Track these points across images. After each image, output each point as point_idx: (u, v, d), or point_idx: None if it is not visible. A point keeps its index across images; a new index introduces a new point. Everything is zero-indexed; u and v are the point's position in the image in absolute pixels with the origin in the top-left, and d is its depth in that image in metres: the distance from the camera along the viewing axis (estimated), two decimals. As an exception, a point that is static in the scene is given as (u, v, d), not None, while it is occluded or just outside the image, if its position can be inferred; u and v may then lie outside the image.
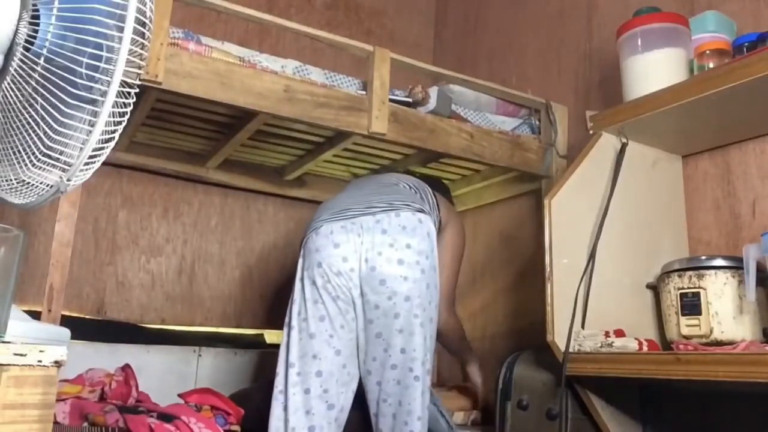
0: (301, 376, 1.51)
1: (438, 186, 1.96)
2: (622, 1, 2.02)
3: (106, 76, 0.90)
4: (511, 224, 2.35)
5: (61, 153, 0.93)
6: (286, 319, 1.59)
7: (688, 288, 1.47)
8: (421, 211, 1.62)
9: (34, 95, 0.91)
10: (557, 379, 1.52)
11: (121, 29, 0.90)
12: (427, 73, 2.07)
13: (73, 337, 0.99)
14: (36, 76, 0.91)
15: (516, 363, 1.72)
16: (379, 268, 1.52)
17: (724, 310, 1.42)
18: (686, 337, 1.45)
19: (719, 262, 1.45)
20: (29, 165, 0.94)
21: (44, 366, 0.79)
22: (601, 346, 1.45)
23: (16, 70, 0.92)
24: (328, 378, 1.52)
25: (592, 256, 1.55)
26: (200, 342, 2.18)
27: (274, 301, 2.43)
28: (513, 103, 2.16)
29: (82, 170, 0.95)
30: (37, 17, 0.91)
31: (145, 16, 0.94)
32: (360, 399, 1.56)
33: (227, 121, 1.93)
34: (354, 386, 1.56)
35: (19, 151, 0.95)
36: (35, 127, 0.92)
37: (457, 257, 1.85)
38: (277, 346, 2.35)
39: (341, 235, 1.57)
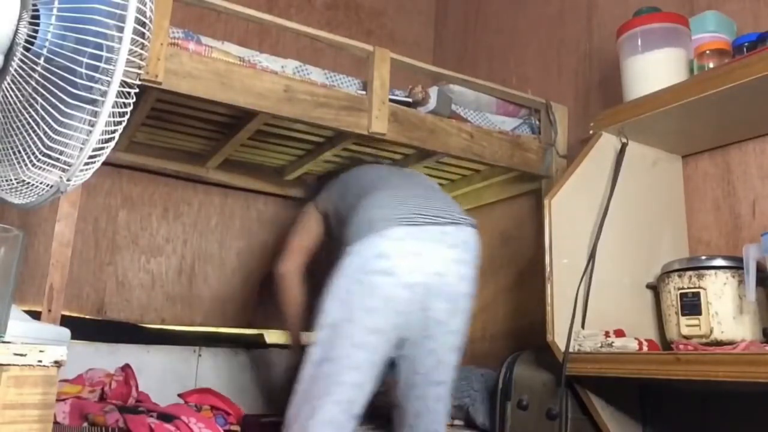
0: (340, 386, 1.40)
1: None
2: (622, 1, 2.03)
3: (106, 76, 0.90)
4: (511, 224, 2.34)
5: (61, 153, 0.93)
6: (325, 319, 1.44)
7: (688, 288, 1.47)
8: (473, 226, 1.58)
9: (34, 95, 0.91)
10: (557, 379, 1.52)
11: (121, 29, 0.90)
12: (427, 73, 2.06)
13: (73, 337, 0.99)
14: (36, 76, 0.91)
15: (516, 363, 1.72)
16: (448, 283, 1.47)
17: (724, 310, 1.42)
18: (686, 337, 1.45)
19: (719, 262, 1.45)
20: (29, 165, 0.94)
21: (44, 366, 0.79)
22: (601, 346, 1.45)
23: (16, 70, 0.92)
24: (359, 390, 1.41)
25: (592, 256, 1.55)
26: (200, 342, 2.17)
27: (274, 301, 2.43)
28: (513, 103, 2.16)
29: (82, 170, 0.95)
30: (37, 17, 0.91)
31: (145, 16, 0.94)
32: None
33: (227, 121, 1.93)
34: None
35: (19, 151, 0.95)
36: (35, 127, 0.92)
37: None
38: (276, 346, 2.36)
39: (413, 244, 1.46)
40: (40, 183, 0.96)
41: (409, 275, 1.43)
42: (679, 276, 1.49)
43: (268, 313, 2.01)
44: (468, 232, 1.54)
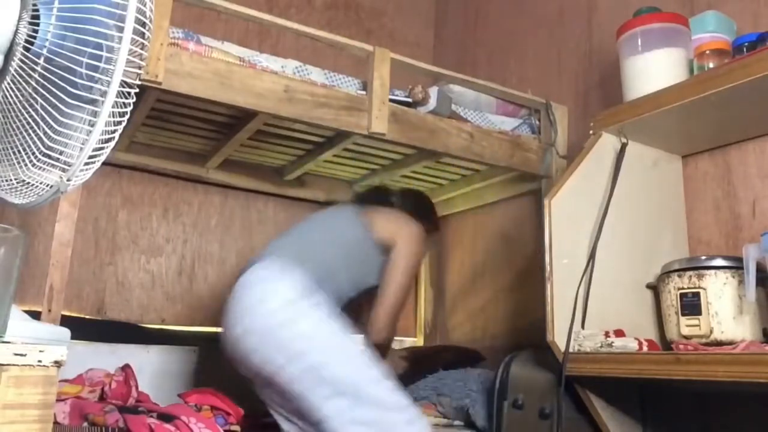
0: None
1: (402, 198, 1.90)
2: (622, 1, 2.02)
3: (106, 76, 0.90)
4: (511, 224, 2.35)
5: (61, 153, 0.93)
6: None
7: (688, 288, 1.47)
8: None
9: (34, 95, 0.91)
10: (555, 378, 1.52)
11: (121, 29, 0.90)
12: (427, 73, 2.06)
13: (73, 337, 0.99)
14: (36, 76, 0.91)
15: (512, 363, 1.71)
16: None
17: (724, 310, 1.42)
18: (686, 337, 1.45)
19: (719, 262, 1.45)
20: (29, 165, 0.94)
21: (44, 366, 0.79)
22: (601, 346, 1.45)
23: (16, 70, 0.92)
24: None
25: (592, 256, 1.55)
26: (200, 342, 2.17)
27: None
28: (513, 103, 2.16)
29: (82, 170, 0.95)
30: (37, 17, 0.91)
31: (145, 16, 0.94)
32: None
33: (227, 121, 1.93)
34: None
35: (19, 151, 0.95)
36: (35, 127, 0.92)
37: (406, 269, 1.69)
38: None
39: None
40: (40, 183, 0.96)
41: None
42: (679, 276, 1.49)
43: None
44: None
